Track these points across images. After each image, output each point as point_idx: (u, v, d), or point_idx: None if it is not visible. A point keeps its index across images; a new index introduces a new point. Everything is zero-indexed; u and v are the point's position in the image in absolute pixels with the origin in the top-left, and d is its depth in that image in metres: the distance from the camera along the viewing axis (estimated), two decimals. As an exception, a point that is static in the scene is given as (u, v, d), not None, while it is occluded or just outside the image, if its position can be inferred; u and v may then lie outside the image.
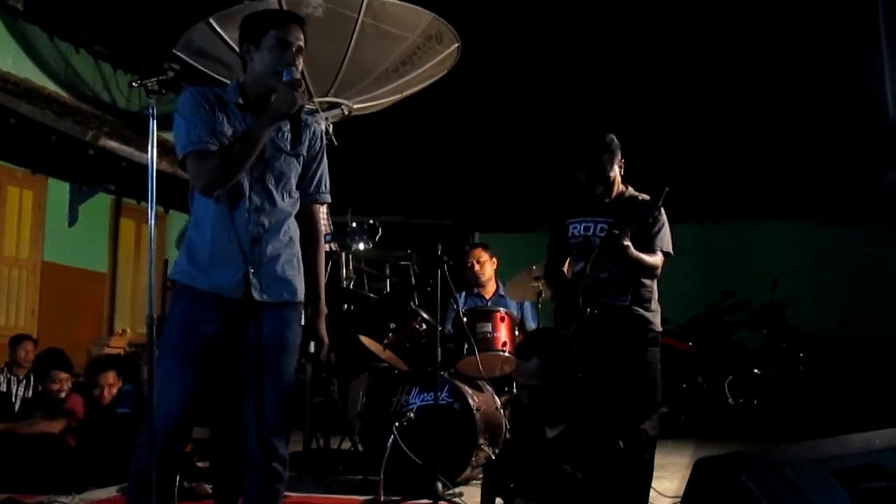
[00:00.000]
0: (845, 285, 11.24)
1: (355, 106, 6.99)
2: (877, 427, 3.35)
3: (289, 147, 3.21)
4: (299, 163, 3.28)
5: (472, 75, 7.59)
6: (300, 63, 3.20)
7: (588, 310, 4.03)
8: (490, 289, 6.77)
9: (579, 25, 8.01)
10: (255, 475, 3.20)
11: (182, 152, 3.12)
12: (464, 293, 6.83)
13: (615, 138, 4.25)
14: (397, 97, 7.22)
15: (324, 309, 3.34)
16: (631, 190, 4.31)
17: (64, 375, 6.27)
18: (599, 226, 4.19)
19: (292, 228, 3.27)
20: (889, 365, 9.70)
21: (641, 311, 4.13)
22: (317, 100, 6.77)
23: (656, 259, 4.11)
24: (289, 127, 3.15)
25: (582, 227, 4.26)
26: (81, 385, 6.37)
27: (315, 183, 3.34)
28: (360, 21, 6.40)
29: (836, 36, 7.79)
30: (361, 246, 4.37)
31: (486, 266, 6.76)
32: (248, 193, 3.13)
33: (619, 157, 4.25)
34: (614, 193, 4.27)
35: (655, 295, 4.21)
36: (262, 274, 3.14)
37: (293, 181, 3.26)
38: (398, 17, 6.56)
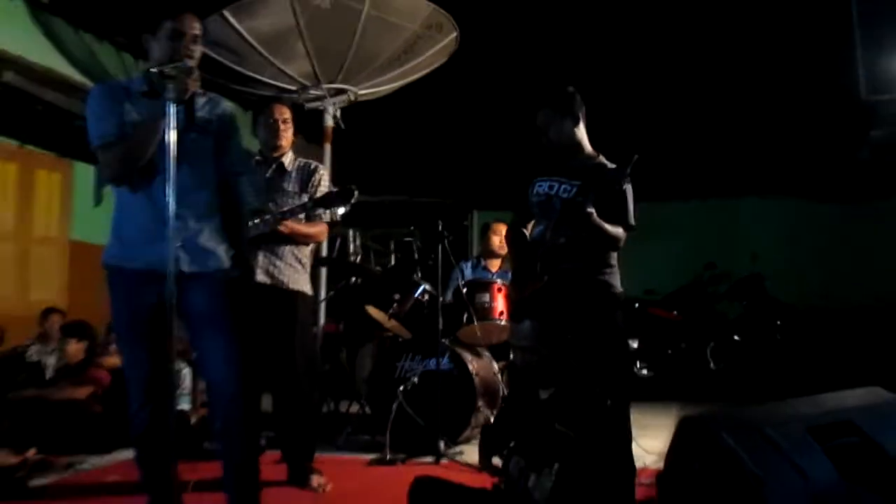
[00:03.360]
0: (821, 258, 11.21)
1: (361, 92, 6.95)
2: (848, 387, 3.35)
3: (191, 128, 3.24)
4: (211, 140, 3.33)
5: (470, 62, 7.54)
6: (196, 50, 3.26)
7: (545, 276, 3.80)
8: (498, 263, 6.75)
9: (567, 12, 7.96)
10: (222, 436, 3.28)
11: (92, 147, 3.22)
12: (470, 264, 6.83)
13: (575, 95, 4.06)
14: (400, 83, 7.19)
15: (243, 258, 3.43)
16: (602, 158, 4.06)
17: (77, 343, 6.29)
18: (562, 186, 3.95)
19: (212, 201, 3.33)
20: (859, 332, 9.71)
21: (599, 275, 3.90)
22: (325, 86, 6.74)
23: (618, 231, 3.85)
24: (184, 111, 3.18)
25: (546, 186, 4.01)
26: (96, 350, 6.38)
27: (230, 157, 3.39)
28: (365, 12, 6.36)
29: (814, 19, 7.72)
30: (340, 210, 4.34)
31: (504, 240, 6.73)
32: (165, 173, 3.11)
33: (574, 110, 4.05)
34: (581, 152, 4.06)
35: (614, 259, 3.96)
36: (188, 247, 3.20)
37: (207, 158, 3.31)
38: (400, 9, 6.52)
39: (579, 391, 3.31)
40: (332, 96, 6.81)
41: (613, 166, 3.97)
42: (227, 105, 3.47)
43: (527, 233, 4.19)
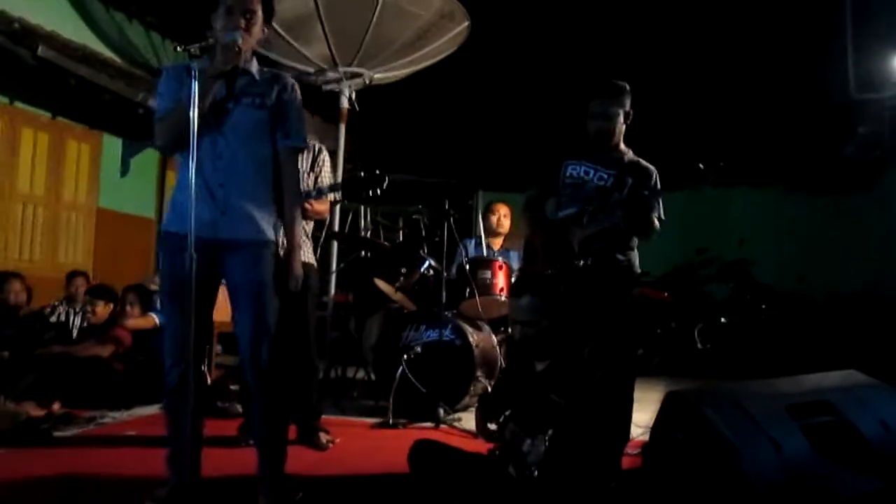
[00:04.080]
0: (804, 247, 11.21)
1: (376, 76, 6.95)
2: (826, 370, 3.37)
3: (248, 100, 3.22)
4: (264, 113, 3.26)
5: (479, 50, 7.52)
6: (251, 24, 3.22)
7: (583, 260, 3.85)
8: (500, 242, 6.75)
9: (569, 5, 7.96)
10: (251, 394, 3.29)
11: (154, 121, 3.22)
12: (473, 241, 6.83)
13: (627, 86, 4.03)
14: (413, 69, 7.17)
15: (294, 244, 3.31)
16: (631, 153, 4.08)
17: (98, 302, 6.32)
18: (598, 174, 3.95)
19: (260, 173, 3.27)
20: (839, 316, 9.72)
21: (624, 257, 3.98)
22: (342, 69, 6.73)
23: (657, 223, 3.95)
24: (225, 83, 3.16)
25: (582, 170, 4.00)
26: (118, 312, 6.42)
27: (283, 129, 3.30)
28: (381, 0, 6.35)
29: (807, 19, 7.69)
30: (370, 193, 4.32)
31: (507, 220, 6.73)
32: (213, 145, 3.14)
33: (627, 105, 4.03)
34: (618, 146, 4.05)
35: (635, 242, 4.03)
36: (229, 215, 3.17)
37: (258, 130, 3.25)
38: (415, -3, 6.51)
39: (574, 363, 3.32)
40: (348, 79, 6.81)
41: (645, 163, 4.01)
42: (287, 80, 3.37)
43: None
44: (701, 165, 3.69)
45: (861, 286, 10.24)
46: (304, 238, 4.65)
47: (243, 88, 3.22)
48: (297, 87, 3.39)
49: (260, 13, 3.26)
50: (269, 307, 3.23)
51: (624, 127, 4.07)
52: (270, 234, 3.26)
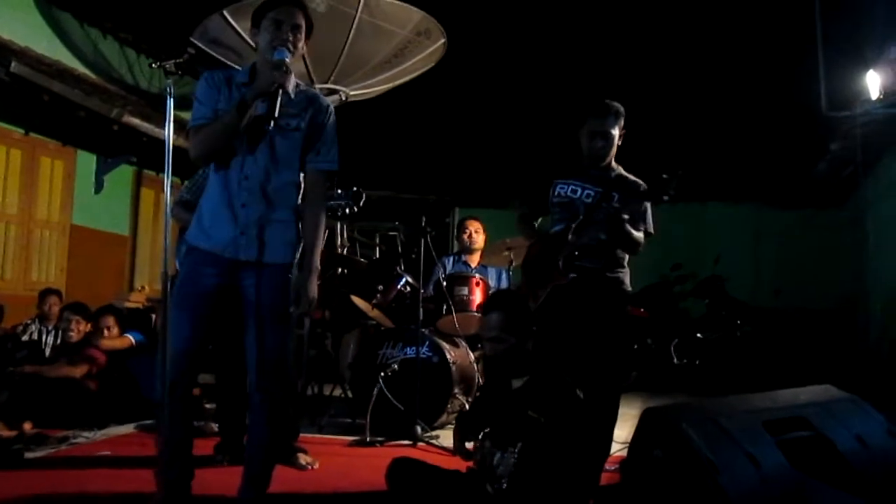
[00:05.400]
0: (779, 262, 11.31)
1: (352, 92, 6.95)
2: (802, 385, 3.39)
3: (283, 122, 3.14)
4: (298, 135, 3.20)
5: (456, 66, 7.55)
6: (297, 40, 3.15)
7: (570, 274, 3.88)
8: (476, 258, 6.74)
9: (545, 22, 8.01)
10: (251, 413, 3.24)
11: (189, 129, 3.13)
12: (451, 259, 6.82)
13: (621, 107, 4.07)
14: (389, 86, 7.18)
15: (314, 267, 3.21)
16: (621, 169, 4.12)
17: (78, 319, 6.24)
18: (586, 191, 3.98)
19: (284, 195, 3.20)
20: (813, 332, 9.80)
21: (613, 273, 3.99)
22: (318, 86, 6.73)
23: (640, 236, 3.95)
24: (268, 103, 3.07)
25: (569, 189, 4.03)
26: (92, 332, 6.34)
27: (316, 152, 3.24)
28: (357, 17, 6.36)
29: (780, 38, 7.79)
30: (347, 210, 4.29)
31: (479, 236, 6.73)
32: (241, 164, 3.11)
33: (622, 125, 4.06)
34: (610, 164, 4.08)
35: (626, 260, 4.05)
36: (249, 236, 3.12)
37: (288, 152, 3.19)
38: (392, 14, 6.52)
39: (554, 380, 3.32)
40: (324, 96, 6.80)
41: (633, 177, 4.04)
42: (323, 103, 3.32)
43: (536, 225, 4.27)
44: (664, 175, 3.71)
45: (835, 301, 10.34)
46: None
47: (280, 109, 3.12)
48: (332, 108, 3.33)
49: (304, 28, 3.21)
50: (283, 329, 3.21)
51: (617, 143, 4.11)
52: (289, 256, 3.20)
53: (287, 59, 3.07)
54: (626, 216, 3.82)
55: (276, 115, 3.07)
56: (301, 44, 3.20)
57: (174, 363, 3.13)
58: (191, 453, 3.27)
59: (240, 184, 3.12)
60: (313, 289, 3.20)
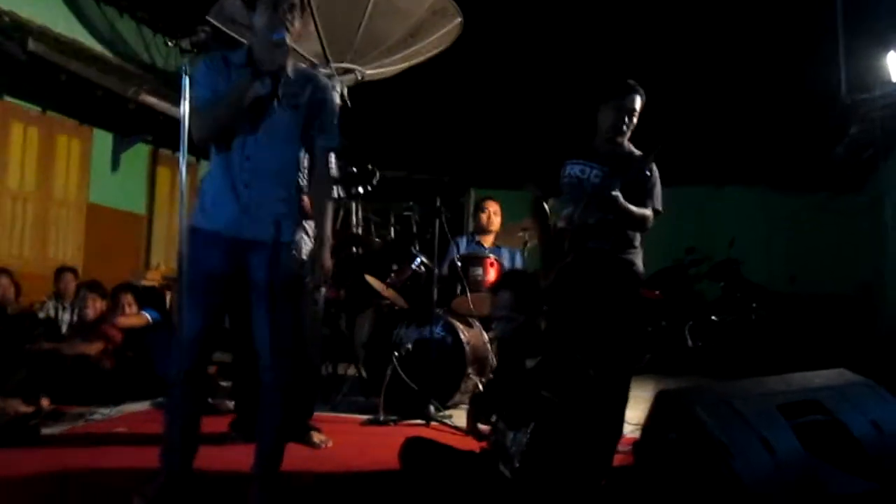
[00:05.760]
0: (793, 246, 11.24)
1: (368, 72, 6.91)
2: (816, 369, 3.37)
3: (286, 101, 3.16)
4: (298, 114, 3.21)
5: (471, 47, 7.51)
6: (294, 18, 3.15)
7: (571, 254, 3.89)
8: (491, 239, 6.74)
9: (563, 2, 7.97)
10: (263, 393, 3.24)
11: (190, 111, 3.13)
12: (465, 239, 6.82)
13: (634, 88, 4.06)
14: (405, 65, 7.15)
15: (325, 238, 3.26)
16: (630, 146, 4.12)
17: (95, 297, 6.27)
18: (594, 171, 3.98)
19: (286, 174, 3.23)
20: (827, 316, 9.75)
21: (623, 255, 3.97)
22: (334, 65, 6.70)
23: (646, 212, 3.92)
24: (270, 83, 3.11)
25: (578, 170, 4.03)
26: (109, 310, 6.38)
27: (317, 130, 3.27)
28: (374, -4, 6.34)
29: (801, 21, 7.71)
30: (361, 189, 4.28)
31: (497, 218, 6.73)
32: (242, 144, 3.12)
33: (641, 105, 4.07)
34: (622, 142, 4.08)
35: (638, 240, 4.03)
36: (253, 216, 3.13)
37: (289, 131, 3.21)
38: (408, -6, 6.49)
39: (565, 359, 3.32)
40: (339, 75, 6.77)
41: (639, 153, 4.04)
42: (321, 80, 3.34)
43: (547, 208, 4.26)
44: (642, 152, 3.80)
45: (851, 286, 10.27)
46: (306, 238, 4.63)
47: (282, 89, 3.17)
48: (330, 85, 3.36)
49: (298, 7, 3.20)
50: (290, 308, 3.22)
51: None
52: (292, 235, 3.22)
53: (287, 40, 3.08)
54: (616, 193, 3.77)
55: (280, 94, 3.12)
56: (298, 23, 3.20)
57: (187, 351, 3.14)
58: (198, 437, 3.29)
59: (242, 164, 3.13)
60: (327, 259, 3.25)
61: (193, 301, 3.05)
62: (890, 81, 7.18)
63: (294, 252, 3.22)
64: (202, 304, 3.06)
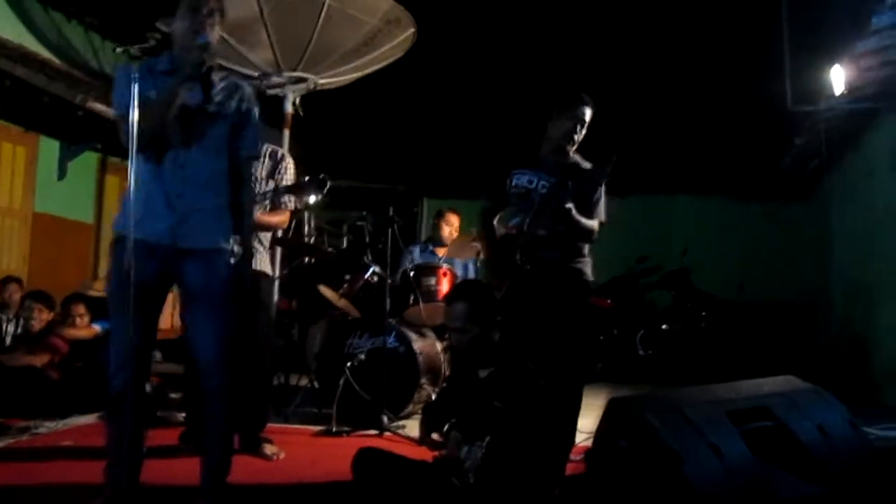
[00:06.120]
0: (744, 255, 11.42)
1: (321, 81, 6.91)
2: (764, 375, 3.43)
3: (213, 108, 3.18)
4: (225, 122, 3.23)
5: (425, 55, 7.53)
6: (214, 23, 3.16)
7: (526, 266, 3.90)
8: (445, 249, 6.75)
9: (515, 11, 8.03)
10: (205, 403, 3.24)
11: (114, 115, 3.15)
12: (419, 247, 6.83)
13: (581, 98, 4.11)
14: (358, 74, 7.15)
15: (248, 245, 3.42)
16: (576, 157, 4.14)
17: (41, 308, 6.17)
18: (542, 182, 4.02)
19: (216, 182, 3.24)
20: (777, 324, 9.92)
21: (573, 264, 4.01)
22: (286, 74, 6.68)
23: (593, 224, 3.98)
24: (200, 87, 3.13)
25: (525, 180, 4.07)
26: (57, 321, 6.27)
27: (242, 139, 3.29)
28: (326, 4, 6.32)
29: (747, 32, 7.86)
30: (313, 198, 4.29)
31: (455, 232, 6.75)
32: (173, 151, 3.11)
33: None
34: (570, 153, 4.11)
35: (587, 249, 4.08)
36: (185, 223, 3.13)
37: (217, 139, 3.22)
38: (361, 2, 6.50)
39: (517, 370, 3.33)
40: (292, 84, 6.75)
41: (589, 165, 4.07)
42: (246, 89, 3.35)
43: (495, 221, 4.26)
44: (597, 165, 3.84)
45: (798, 294, 10.46)
46: (261, 248, 4.60)
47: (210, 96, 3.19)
48: (253, 95, 3.38)
49: (217, 12, 3.20)
50: (229, 315, 3.21)
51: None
52: (227, 242, 3.24)
53: (211, 42, 3.11)
54: (570, 206, 3.82)
55: (211, 98, 3.16)
56: (217, 27, 3.21)
57: (123, 367, 3.08)
58: (142, 450, 3.25)
59: (174, 173, 3.13)
60: (248, 269, 3.43)
61: (127, 315, 2.98)
62: (833, 95, 7.33)
63: (237, 259, 3.25)
64: (138, 316, 3.01)
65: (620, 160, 3.77)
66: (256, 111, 3.38)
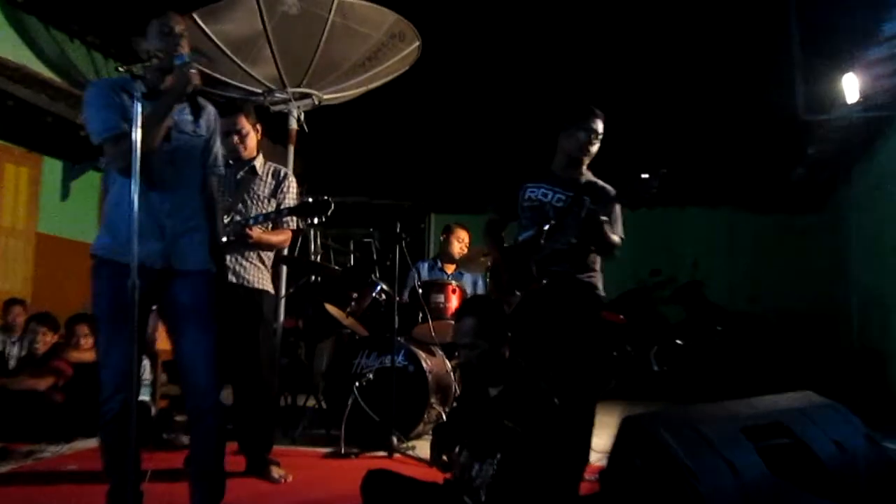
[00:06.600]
0: (757, 266, 11.39)
1: (325, 96, 6.92)
2: (780, 391, 3.41)
3: (191, 128, 3.27)
4: (200, 142, 3.33)
5: (431, 70, 7.54)
6: (185, 46, 3.21)
7: (543, 280, 3.90)
8: (453, 265, 6.75)
9: (521, 25, 8.03)
10: (194, 425, 3.27)
11: (99, 138, 3.12)
12: (427, 264, 6.82)
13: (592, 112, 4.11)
14: (363, 89, 7.16)
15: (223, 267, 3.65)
16: (590, 174, 4.16)
17: (45, 330, 6.18)
18: (557, 195, 4.02)
19: (198, 201, 3.34)
20: (792, 336, 9.88)
21: (586, 277, 4.02)
22: (290, 90, 6.70)
23: (617, 239, 3.99)
24: (188, 108, 3.21)
25: (540, 193, 4.07)
26: (62, 343, 6.27)
27: (212, 158, 3.40)
28: (330, 20, 6.34)
29: (758, 42, 7.86)
30: (316, 220, 4.30)
31: (464, 248, 6.75)
32: (160, 173, 3.14)
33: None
34: (575, 168, 4.11)
35: (599, 264, 4.09)
36: (176, 245, 3.19)
37: (198, 160, 3.32)
38: (365, 17, 6.50)
39: (529, 387, 3.32)
40: (296, 100, 6.77)
41: (602, 183, 4.06)
42: (211, 108, 3.43)
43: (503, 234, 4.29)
44: (644, 175, 3.71)
45: (813, 306, 10.42)
46: (262, 266, 4.61)
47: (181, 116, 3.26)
48: (215, 112, 3.48)
49: (186, 34, 3.28)
50: (213, 329, 3.26)
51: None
52: (210, 262, 3.32)
53: (191, 63, 3.13)
54: (604, 218, 3.84)
55: (198, 119, 3.28)
56: (187, 47, 3.25)
57: (118, 389, 3.09)
58: (140, 472, 3.24)
59: (162, 194, 3.16)
60: (225, 282, 3.61)
61: (121, 337, 2.98)
62: (846, 103, 7.33)
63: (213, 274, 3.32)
64: (130, 338, 3.00)
65: (627, 172, 3.75)
66: (218, 127, 3.50)
